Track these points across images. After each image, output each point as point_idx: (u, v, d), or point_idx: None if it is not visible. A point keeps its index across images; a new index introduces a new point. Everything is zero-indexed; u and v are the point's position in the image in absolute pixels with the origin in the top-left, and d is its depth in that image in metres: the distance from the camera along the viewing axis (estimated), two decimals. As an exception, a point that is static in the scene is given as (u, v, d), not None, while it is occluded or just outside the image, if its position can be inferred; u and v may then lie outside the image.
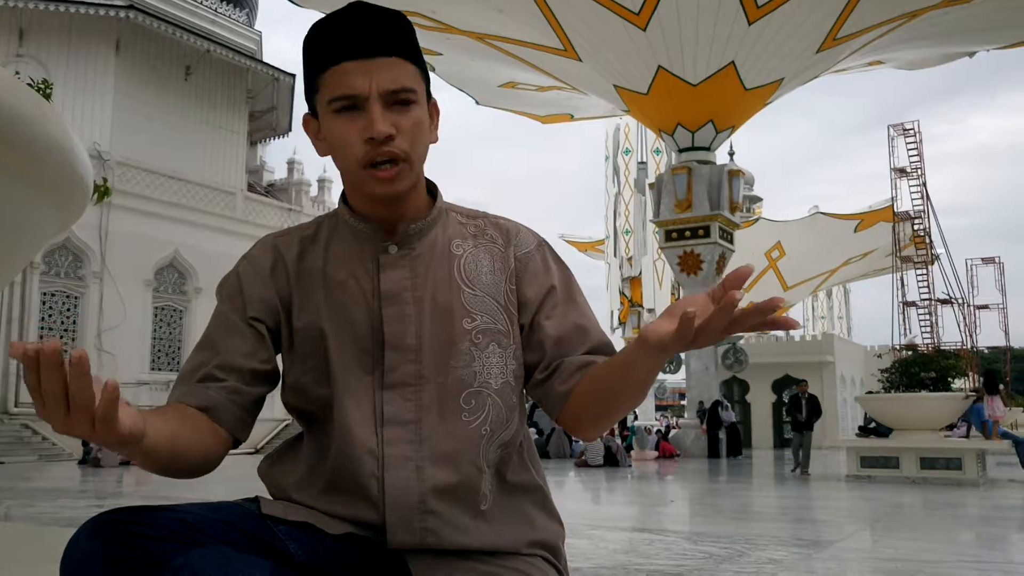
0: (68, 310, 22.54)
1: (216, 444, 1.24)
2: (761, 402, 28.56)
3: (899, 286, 30.86)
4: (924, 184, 31.54)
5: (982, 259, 39.68)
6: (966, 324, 32.15)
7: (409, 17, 1.31)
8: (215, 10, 28.37)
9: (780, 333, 50.03)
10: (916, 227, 31.21)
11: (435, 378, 1.27)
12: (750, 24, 19.13)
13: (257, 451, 20.03)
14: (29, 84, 2.41)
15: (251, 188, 29.46)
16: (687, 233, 21.64)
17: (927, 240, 30.98)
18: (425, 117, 1.28)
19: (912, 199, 31.62)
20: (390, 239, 1.31)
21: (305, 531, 1.20)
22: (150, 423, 1.04)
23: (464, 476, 1.25)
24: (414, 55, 1.27)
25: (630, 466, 17.17)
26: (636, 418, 30.54)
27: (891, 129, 32.20)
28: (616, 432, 19.11)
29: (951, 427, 15.14)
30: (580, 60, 21.19)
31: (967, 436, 15.11)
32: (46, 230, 1.94)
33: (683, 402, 31.47)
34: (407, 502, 1.22)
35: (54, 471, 15.87)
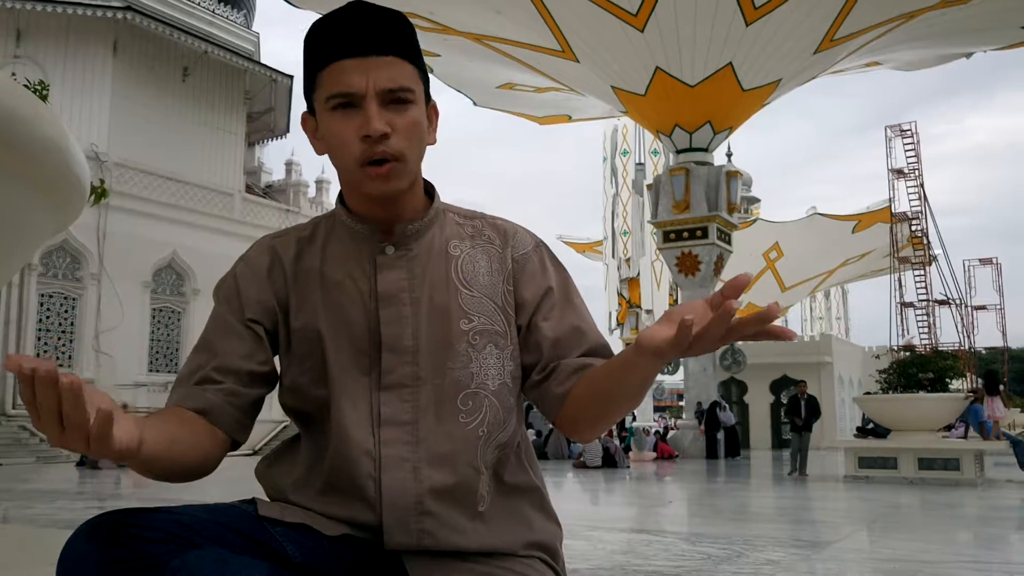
0: (66, 311, 22.51)
1: (214, 446, 1.24)
2: (759, 403, 28.55)
3: (897, 287, 30.94)
4: (922, 185, 31.60)
5: (980, 260, 39.78)
6: (964, 325, 32.24)
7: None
8: (212, 11, 28.37)
9: (778, 334, 49.94)
10: (914, 228, 31.26)
11: (432, 379, 1.27)
12: (748, 25, 19.15)
13: (255, 452, 20.00)
14: (26, 85, 2.41)
15: (249, 189, 29.45)
16: (685, 234, 21.65)
17: (925, 241, 31.04)
18: (422, 118, 1.27)
19: (910, 200, 31.71)
20: (387, 240, 1.31)
21: (302, 532, 1.19)
22: (148, 431, 1.03)
23: (461, 477, 1.25)
24: (413, 55, 1.27)
25: (628, 467, 17.17)
26: (634, 419, 30.54)
27: (888, 130, 32.29)
28: (614, 433, 19.11)
29: (949, 428, 15.14)
30: (578, 61, 21.20)
31: (965, 437, 15.11)
32: (43, 231, 1.94)
33: (681, 403, 31.51)
34: (404, 503, 1.21)
35: (52, 473, 15.85)
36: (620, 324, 40.34)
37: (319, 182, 31.38)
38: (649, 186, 24.64)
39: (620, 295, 40.12)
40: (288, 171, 31.26)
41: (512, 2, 19.13)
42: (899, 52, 23.96)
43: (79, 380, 0.88)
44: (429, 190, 1.37)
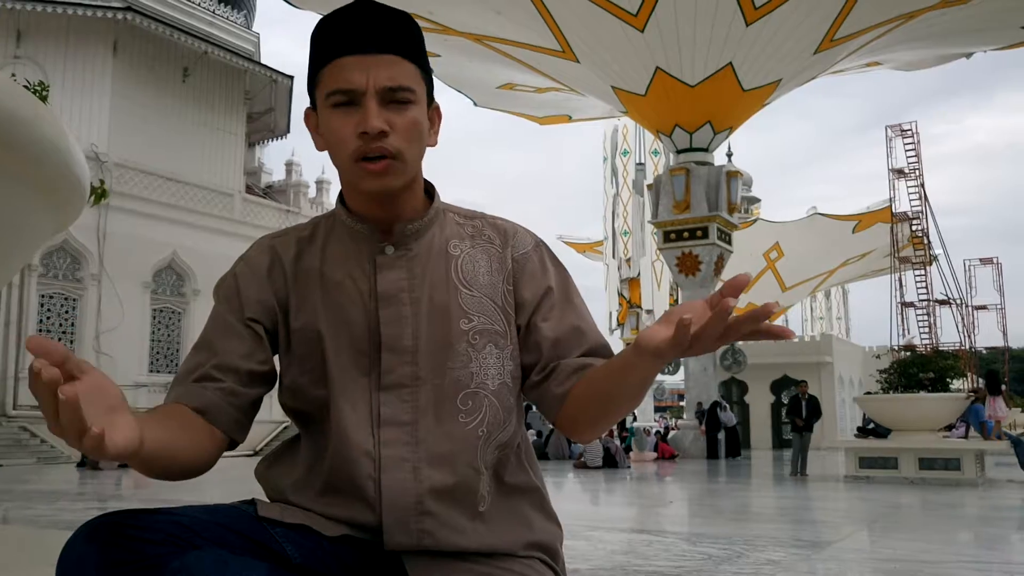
0: (66, 312, 22.52)
1: (212, 445, 1.24)
2: (760, 403, 28.55)
3: (897, 287, 30.91)
4: (922, 185, 31.58)
5: (980, 260, 39.75)
6: (964, 325, 32.20)
7: (406, 18, 1.31)
8: (213, 11, 28.37)
9: (778, 334, 49.94)
10: (914, 228, 31.25)
11: (432, 379, 1.27)
12: (748, 25, 19.15)
13: (256, 453, 20.00)
14: (25, 86, 2.41)
15: (249, 190, 29.45)
16: (685, 234, 21.66)
17: (925, 241, 31.01)
18: (423, 119, 1.27)
19: (910, 200, 31.68)
20: (387, 240, 1.31)
21: (302, 533, 1.19)
22: (148, 431, 1.02)
23: (461, 477, 1.25)
24: (417, 56, 1.27)
25: (629, 467, 17.17)
26: (635, 419, 30.53)
27: (889, 130, 32.26)
28: (615, 433, 19.11)
29: (950, 428, 15.13)
30: (578, 61, 21.21)
31: (966, 437, 15.10)
32: (42, 232, 1.94)
33: (682, 403, 31.52)
34: (404, 504, 1.21)
35: (52, 474, 15.86)
36: (621, 324, 40.34)
37: (319, 182, 31.37)
38: (649, 186, 24.64)
39: (620, 295, 40.12)
40: (288, 171, 31.25)
41: (512, 2, 19.14)
42: (899, 52, 23.97)
43: (75, 396, 0.86)
44: (429, 190, 1.37)
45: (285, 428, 23.29)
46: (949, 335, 33.33)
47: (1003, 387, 16.08)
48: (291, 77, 29.45)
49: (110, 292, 22.72)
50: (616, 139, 40.60)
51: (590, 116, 29.86)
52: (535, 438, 21.35)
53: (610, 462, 16.74)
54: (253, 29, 31.08)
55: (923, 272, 31.13)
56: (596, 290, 43.48)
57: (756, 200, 52.88)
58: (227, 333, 1.30)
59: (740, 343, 24.35)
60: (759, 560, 5.01)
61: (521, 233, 1.40)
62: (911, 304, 31.02)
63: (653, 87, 21.12)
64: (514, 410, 1.33)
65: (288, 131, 32.15)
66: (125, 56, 25.26)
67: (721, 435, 20.44)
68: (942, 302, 31.15)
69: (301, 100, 33.56)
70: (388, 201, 1.29)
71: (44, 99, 2.79)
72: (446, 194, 1.42)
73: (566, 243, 46.82)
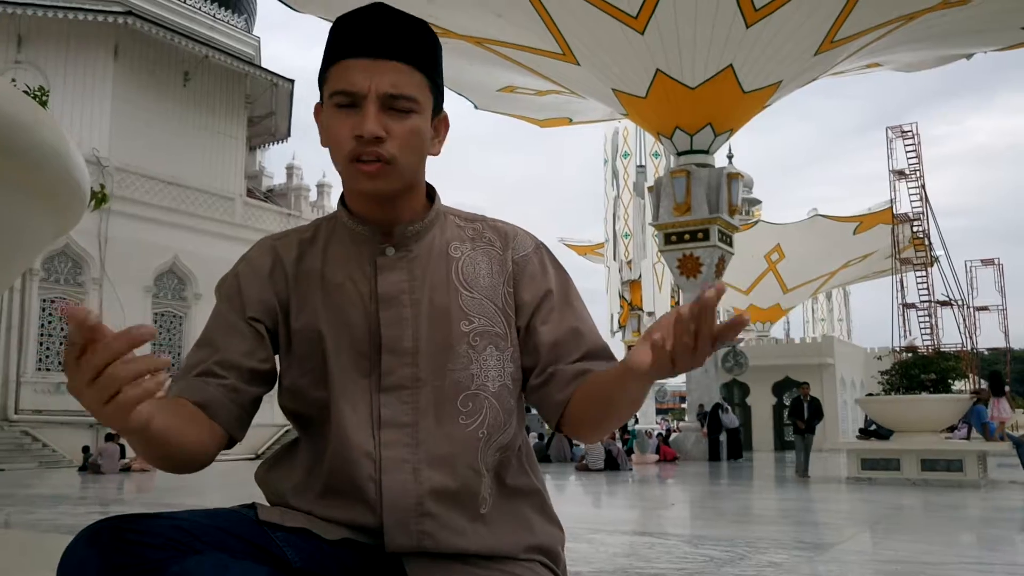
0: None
1: (212, 441, 1.24)
2: (761, 405, 28.56)
3: (899, 288, 30.93)
4: (923, 186, 31.61)
5: (981, 261, 39.74)
6: (966, 326, 32.20)
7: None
8: (213, 16, 28.40)
9: (780, 335, 50.11)
10: (915, 229, 31.26)
11: (432, 381, 1.27)
12: (748, 27, 19.16)
13: (257, 456, 20.00)
14: (25, 91, 2.41)
15: (250, 193, 29.46)
16: (686, 236, 21.67)
17: (926, 242, 31.03)
18: (424, 128, 1.27)
19: (911, 201, 31.71)
20: (387, 241, 1.31)
21: (302, 537, 1.19)
22: (156, 411, 1.03)
23: (462, 479, 1.25)
24: (425, 66, 1.27)
25: (631, 470, 17.16)
26: (637, 422, 30.51)
27: (889, 131, 32.29)
28: (616, 436, 19.10)
29: (952, 429, 15.10)
30: (578, 64, 21.22)
31: (968, 438, 15.07)
32: (42, 237, 1.94)
33: (683, 405, 31.49)
34: (404, 505, 1.22)
35: (54, 478, 15.86)
36: (622, 327, 40.36)
37: (320, 186, 31.39)
38: (650, 188, 24.65)
39: (622, 297, 40.14)
40: (289, 175, 31.26)
41: (512, 5, 19.15)
42: (899, 53, 23.97)
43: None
44: (430, 193, 1.37)
45: (286, 431, 23.28)
46: (951, 336, 33.40)
47: (1006, 388, 16.01)
48: (292, 81, 29.46)
49: (111, 296, 22.73)
50: (617, 141, 40.64)
51: (591, 119, 29.88)
52: (537, 440, 21.36)
53: (612, 464, 16.73)
54: (254, 33, 31.10)
55: (924, 273, 31.15)
56: (597, 292, 43.53)
57: (757, 202, 52.86)
58: (229, 331, 1.30)
59: (741, 344, 24.42)
60: (761, 562, 5.00)
61: (522, 235, 1.41)
62: (912, 305, 31.03)
63: (653, 89, 21.13)
64: (514, 412, 1.33)
65: (289, 135, 32.14)
66: (126, 60, 25.29)
67: (723, 437, 20.42)
68: (943, 303, 31.16)
69: (302, 104, 33.55)
70: (386, 203, 1.29)
71: (44, 104, 2.80)
72: (447, 197, 1.42)
73: (567, 245, 46.85)
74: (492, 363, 1.30)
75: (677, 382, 28.86)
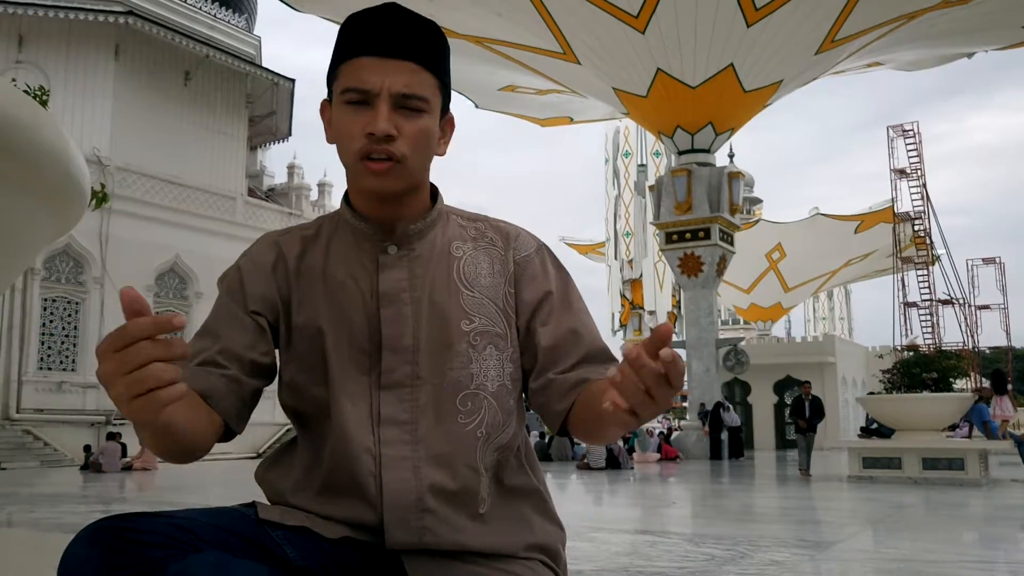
0: (69, 316, 22.54)
1: (211, 431, 1.23)
2: (763, 403, 28.55)
3: (900, 287, 30.93)
4: (924, 185, 31.60)
5: (983, 259, 39.62)
6: (967, 324, 32.20)
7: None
8: (214, 15, 28.40)
9: (782, 334, 50.13)
10: (916, 228, 31.25)
11: (431, 379, 1.27)
12: (749, 26, 19.16)
13: (258, 455, 20.01)
14: (26, 91, 2.41)
15: (251, 193, 29.47)
16: (687, 235, 21.67)
17: (927, 241, 31.03)
18: (432, 128, 1.28)
19: (912, 200, 31.70)
20: (390, 240, 1.32)
21: (302, 536, 1.19)
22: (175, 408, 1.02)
23: (461, 479, 1.25)
24: (436, 67, 1.28)
25: (632, 468, 17.16)
26: (638, 420, 30.45)
27: (891, 130, 32.27)
28: (618, 434, 19.05)
29: (953, 427, 15.09)
30: (579, 63, 21.22)
31: (969, 436, 15.06)
32: (42, 236, 1.94)
33: (685, 404, 31.47)
34: (405, 502, 1.22)
35: (56, 476, 15.88)
36: (623, 326, 40.37)
37: (321, 185, 31.40)
38: (651, 187, 24.65)
39: (623, 296, 40.14)
40: (290, 174, 31.27)
41: (513, 5, 19.16)
42: (900, 52, 23.97)
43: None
44: (433, 192, 1.38)
45: (287, 430, 23.29)
46: (952, 335, 33.34)
47: (1009, 387, 15.96)
48: (292, 80, 29.46)
49: (113, 295, 22.69)
50: (618, 141, 40.63)
51: (591, 118, 29.89)
52: (538, 439, 21.35)
53: (613, 463, 16.73)
54: (254, 32, 31.10)
55: (925, 272, 31.14)
56: (598, 291, 43.52)
57: (758, 201, 52.92)
58: (232, 322, 1.30)
59: (743, 343, 24.43)
60: (763, 561, 5.01)
61: (524, 236, 1.41)
62: (914, 304, 31.02)
63: (654, 88, 21.13)
64: (514, 412, 1.33)
65: (290, 134, 32.14)
66: (127, 60, 25.29)
67: (724, 436, 20.43)
68: (945, 302, 31.15)
69: (303, 103, 33.56)
70: (390, 201, 1.29)
71: (45, 104, 2.80)
72: (448, 196, 1.42)
73: (568, 245, 46.84)
74: (492, 363, 1.30)
75: (678, 381, 28.73)
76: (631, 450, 19.35)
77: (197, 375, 1.24)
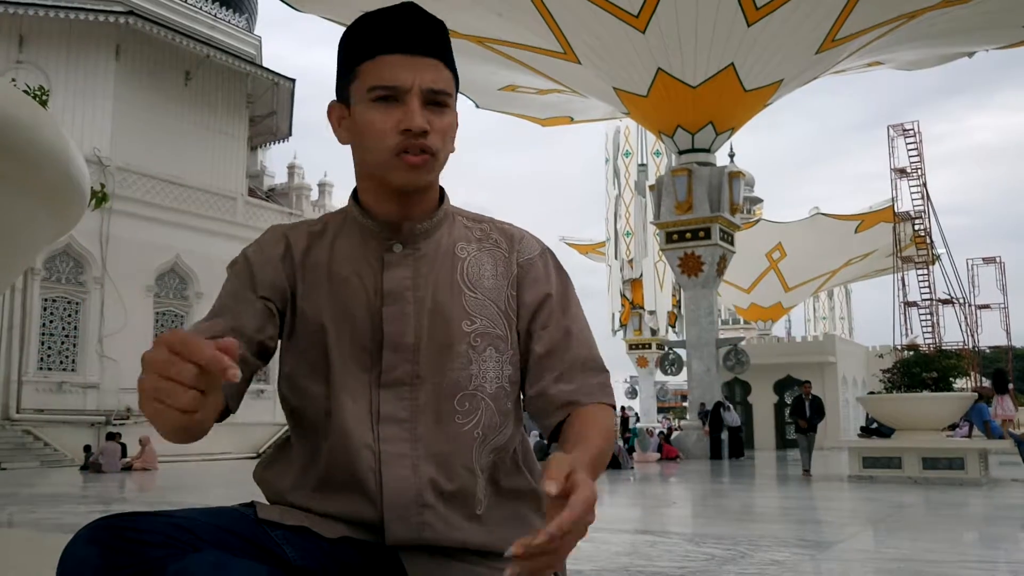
0: (69, 316, 22.53)
1: (214, 414, 1.22)
2: (763, 403, 28.54)
3: (900, 286, 30.94)
4: (924, 184, 31.61)
5: (983, 259, 39.65)
6: (968, 324, 32.21)
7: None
8: (214, 15, 28.38)
9: (782, 334, 50.13)
10: (917, 227, 31.26)
11: (431, 378, 1.28)
12: (749, 25, 19.15)
13: (258, 455, 19.99)
14: (25, 91, 2.41)
15: (252, 193, 29.46)
16: (688, 235, 21.66)
17: (928, 240, 31.04)
18: (456, 122, 1.31)
19: (912, 199, 31.71)
20: (396, 238, 1.32)
21: (302, 535, 1.20)
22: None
23: (458, 480, 1.26)
24: (452, 64, 1.31)
25: (632, 468, 17.16)
26: (638, 420, 30.54)
27: (891, 129, 32.27)
28: (618, 434, 19.08)
29: (953, 427, 15.09)
30: (579, 63, 21.22)
31: (969, 436, 15.06)
32: (42, 236, 1.94)
33: (685, 404, 31.48)
34: (405, 498, 1.22)
35: (56, 477, 15.88)
36: (623, 325, 40.37)
37: (321, 185, 31.38)
38: (651, 187, 24.63)
39: (623, 296, 40.13)
40: (291, 175, 31.26)
41: (514, 4, 19.16)
42: (901, 52, 23.96)
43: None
44: (440, 192, 1.39)
45: (287, 430, 23.30)
46: (952, 334, 33.29)
47: (1010, 386, 15.94)
48: (293, 80, 29.44)
49: (113, 296, 22.74)
50: (618, 140, 40.62)
51: (592, 117, 29.88)
52: (539, 440, 21.33)
53: (613, 463, 16.72)
54: (255, 32, 31.08)
55: (926, 271, 31.15)
56: (598, 291, 43.54)
57: (758, 200, 52.90)
58: (242, 304, 1.30)
59: (743, 343, 24.43)
60: (763, 560, 5.01)
61: (528, 239, 1.42)
62: (914, 303, 31.03)
63: (655, 88, 21.13)
64: (511, 415, 1.33)
65: (290, 134, 32.13)
66: (127, 60, 25.28)
67: (724, 435, 20.42)
68: (945, 301, 31.16)
69: (303, 103, 33.55)
70: (407, 199, 1.30)
71: (44, 104, 2.80)
72: (452, 196, 1.43)
73: (568, 244, 46.83)
74: (491, 364, 1.31)
75: (679, 380, 28.81)
76: (631, 450, 19.36)
77: None
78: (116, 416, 21.68)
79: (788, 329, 57.39)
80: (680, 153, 22.43)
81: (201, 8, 27.96)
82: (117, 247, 22.95)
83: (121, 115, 24.69)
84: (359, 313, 1.30)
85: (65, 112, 22.80)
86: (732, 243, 22.33)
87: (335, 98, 1.34)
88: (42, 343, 21.81)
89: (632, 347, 40.63)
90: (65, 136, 1.77)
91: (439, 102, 1.26)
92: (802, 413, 14.44)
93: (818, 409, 14.48)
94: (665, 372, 25.65)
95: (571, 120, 29.96)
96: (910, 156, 31.83)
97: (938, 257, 31.51)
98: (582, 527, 0.98)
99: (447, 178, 1.37)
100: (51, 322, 22.14)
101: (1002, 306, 38.70)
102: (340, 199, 31.33)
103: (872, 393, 14.45)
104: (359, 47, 1.28)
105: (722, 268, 21.90)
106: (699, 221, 21.51)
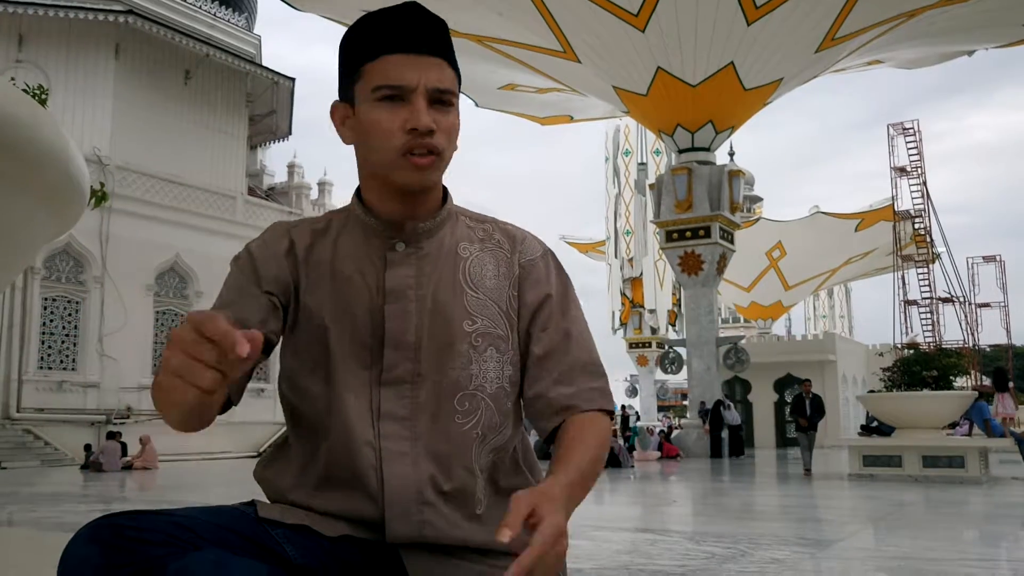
0: (69, 315, 22.52)
1: (219, 406, 1.22)
2: (763, 401, 28.54)
3: (900, 285, 30.92)
4: (924, 183, 31.58)
5: (983, 257, 39.62)
6: (968, 322, 32.20)
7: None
8: (214, 14, 28.37)
9: (782, 332, 50.13)
10: (917, 226, 31.25)
11: (432, 377, 1.28)
12: (749, 24, 19.14)
13: (259, 454, 19.98)
14: (25, 90, 2.41)
15: (251, 192, 29.45)
16: (688, 234, 21.65)
17: (928, 239, 31.02)
18: (459, 122, 1.31)
19: (912, 198, 31.68)
20: (399, 237, 1.33)
21: (302, 534, 1.20)
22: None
23: (458, 479, 1.26)
24: (454, 63, 1.32)
25: (633, 467, 17.16)
26: (639, 419, 30.52)
27: (891, 128, 32.24)
28: (618, 433, 19.10)
29: (953, 425, 15.08)
30: (579, 62, 21.21)
31: (969, 434, 15.06)
32: (42, 235, 1.94)
33: (685, 402, 31.47)
34: (406, 495, 1.23)
35: (56, 476, 15.88)
36: (624, 324, 40.36)
37: (321, 184, 31.38)
38: (651, 186, 24.63)
39: (623, 295, 40.13)
40: (290, 174, 31.25)
41: (514, 3, 19.15)
42: (901, 50, 23.95)
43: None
44: (444, 192, 1.39)
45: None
46: (952, 333, 33.34)
47: (1010, 384, 15.93)
48: (292, 79, 29.43)
49: (113, 295, 22.72)
50: (618, 139, 40.61)
51: (592, 116, 29.87)
52: (539, 439, 21.34)
53: (614, 462, 16.74)
54: (254, 31, 31.07)
55: (926, 270, 31.14)
56: (598, 290, 43.52)
57: (758, 199, 52.86)
58: (246, 298, 1.30)
59: (743, 341, 24.42)
60: (763, 559, 5.01)
61: (530, 240, 1.42)
62: (914, 302, 31.02)
63: (654, 87, 21.12)
64: (511, 415, 1.34)
65: (290, 133, 32.11)
66: (127, 59, 25.27)
67: (724, 434, 20.43)
68: (945, 300, 31.15)
69: (303, 102, 33.54)
70: (411, 198, 1.30)
71: (44, 103, 2.80)
72: (455, 195, 1.43)
73: (569, 243, 46.83)
74: (492, 364, 1.31)
75: (679, 379, 28.81)
76: (632, 448, 19.37)
77: None
78: (116, 415, 21.68)
79: (788, 328, 57.41)
80: (680, 152, 22.42)
81: (201, 7, 27.94)
82: (117, 246, 22.94)
83: (121, 114, 24.68)
84: (361, 311, 1.30)
85: (65, 111, 22.79)
86: (732, 242, 22.33)
87: (337, 98, 1.34)
88: (42, 342, 21.80)
89: (632, 346, 40.65)
90: (65, 135, 1.77)
91: (444, 101, 1.26)
92: (802, 411, 14.43)
93: (818, 407, 14.47)
94: (665, 371, 25.63)
95: (571, 119, 29.95)
96: (910, 155, 31.82)
97: (938, 256, 31.51)
98: (552, 559, 1.00)
99: (448, 177, 1.38)
100: (51, 321, 22.13)
101: (1002, 304, 38.69)
102: (340, 198, 31.37)
103: (872, 392, 14.45)
104: (363, 47, 1.28)
105: (722, 267, 21.90)
106: (699, 220, 21.51)
